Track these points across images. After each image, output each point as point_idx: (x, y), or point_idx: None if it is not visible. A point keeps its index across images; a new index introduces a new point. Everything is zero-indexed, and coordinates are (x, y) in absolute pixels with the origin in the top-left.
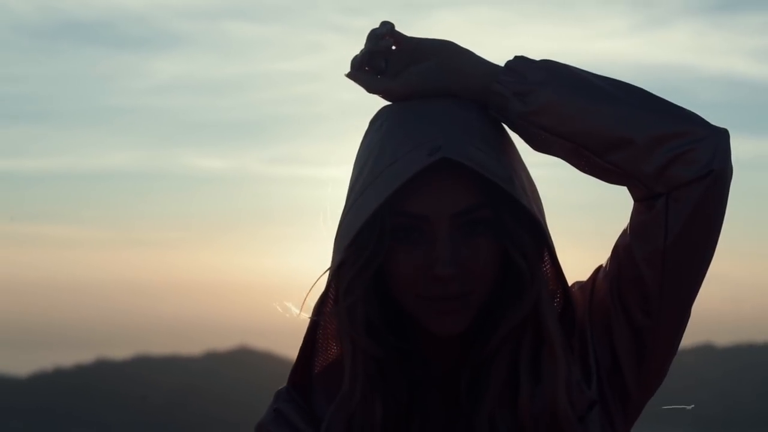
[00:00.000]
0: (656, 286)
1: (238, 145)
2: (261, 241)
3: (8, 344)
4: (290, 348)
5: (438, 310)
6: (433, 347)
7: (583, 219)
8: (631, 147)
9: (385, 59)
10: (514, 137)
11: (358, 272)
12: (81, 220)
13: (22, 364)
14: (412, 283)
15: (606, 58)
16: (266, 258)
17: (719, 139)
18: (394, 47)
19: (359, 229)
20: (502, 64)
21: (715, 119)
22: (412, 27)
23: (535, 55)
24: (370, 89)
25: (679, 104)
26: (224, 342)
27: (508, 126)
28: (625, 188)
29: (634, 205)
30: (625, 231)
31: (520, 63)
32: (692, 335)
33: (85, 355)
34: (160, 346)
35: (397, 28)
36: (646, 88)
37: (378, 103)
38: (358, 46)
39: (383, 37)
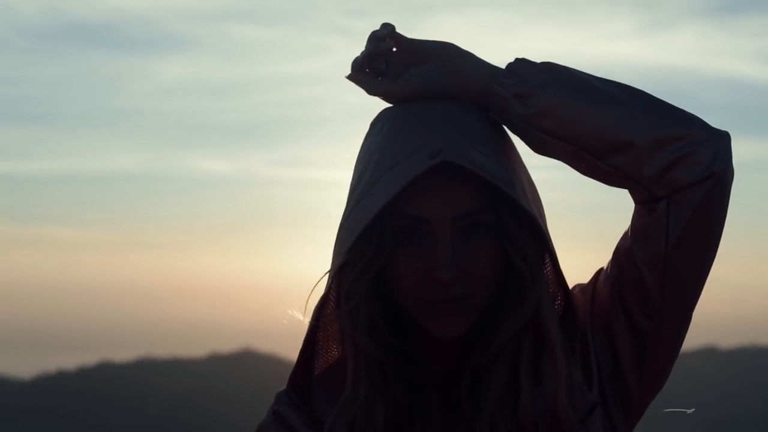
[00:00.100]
0: (657, 290)
1: (243, 148)
2: (265, 244)
3: (11, 346)
4: (294, 351)
5: (438, 313)
6: (434, 349)
7: (586, 221)
8: (631, 150)
9: (386, 61)
10: (515, 139)
11: (359, 275)
12: (85, 223)
13: (25, 366)
14: (413, 286)
15: (610, 60)
16: (271, 260)
17: (720, 141)
18: (394, 49)
19: (360, 233)
20: (504, 66)
21: (719, 121)
22: (417, 29)
23: (539, 57)
24: (371, 91)
25: (681, 106)
26: (228, 344)
27: (508, 128)
28: (626, 191)
29: (635, 207)
30: (626, 234)
31: (520, 65)
32: (695, 338)
33: (88, 358)
34: (163, 349)
35: (402, 30)
36: (650, 90)
37: (381, 106)
38: (363, 48)
39: (384, 38)
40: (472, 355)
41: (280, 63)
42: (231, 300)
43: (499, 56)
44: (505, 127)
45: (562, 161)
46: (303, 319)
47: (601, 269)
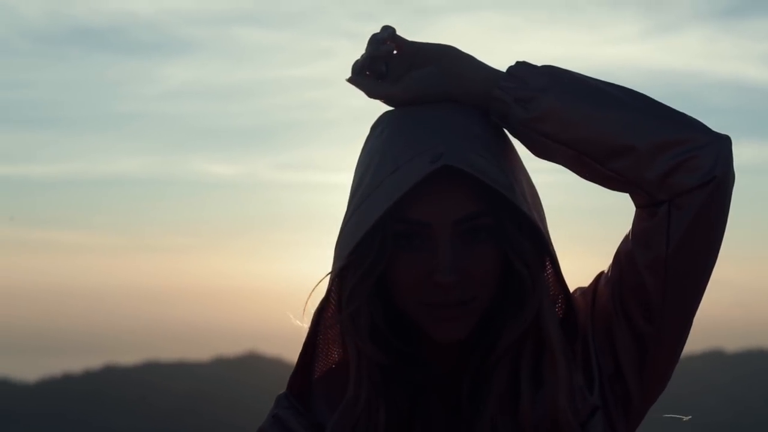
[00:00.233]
0: (658, 294)
1: (249, 151)
2: (271, 247)
3: (17, 350)
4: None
5: (439, 317)
6: (435, 353)
7: (587, 224)
8: (632, 154)
9: (386, 64)
10: (516, 143)
11: (360, 279)
12: (91, 226)
13: (31, 370)
14: (414, 290)
15: (615, 63)
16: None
17: (721, 145)
18: (395, 52)
19: (361, 238)
20: (506, 69)
21: (724, 124)
22: (422, 32)
23: (545, 60)
24: (371, 94)
25: (687, 110)
26: (233, 348)
27: (509, 132)
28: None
29: (636, 211)
30: (627, 237)
31: (521, 69)
32: (701, 341)
33: (93, 361)
34: (168, 352)
35: (407, 33)
36: (656, 94)
37: (386, 109)
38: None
39: (384, 41)
40: (472, 358)
41: (286, 66)
42: (236, 303)
43: (504, 60)
44: (506, 131)
45: (563, 165)
46: (302, 324)
47: (602, 272)
